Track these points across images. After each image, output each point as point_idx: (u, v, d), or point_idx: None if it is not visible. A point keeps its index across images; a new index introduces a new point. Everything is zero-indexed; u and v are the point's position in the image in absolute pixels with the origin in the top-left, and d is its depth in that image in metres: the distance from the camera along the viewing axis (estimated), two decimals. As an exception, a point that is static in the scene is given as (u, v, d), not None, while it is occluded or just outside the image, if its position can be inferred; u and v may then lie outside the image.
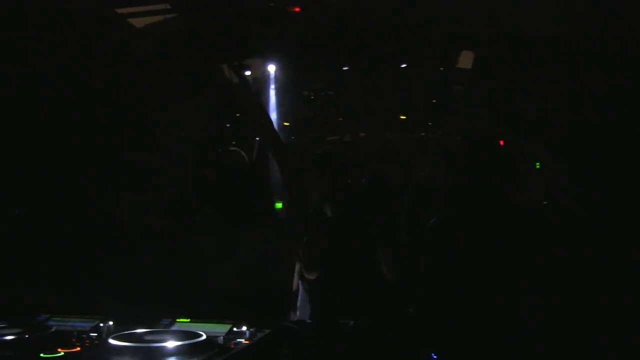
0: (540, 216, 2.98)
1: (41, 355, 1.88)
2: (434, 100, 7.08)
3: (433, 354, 2.31)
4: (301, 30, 5.98)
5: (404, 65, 6.70)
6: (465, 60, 6.82)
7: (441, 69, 6.69)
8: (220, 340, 2.12)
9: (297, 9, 5.77)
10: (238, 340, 2.16)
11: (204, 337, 2.05)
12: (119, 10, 5.46)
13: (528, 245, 2.50)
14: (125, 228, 3.20)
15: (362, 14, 5.73)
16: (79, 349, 1.99)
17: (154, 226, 3.16)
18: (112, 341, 1.94)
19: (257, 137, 6.21)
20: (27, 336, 2.05)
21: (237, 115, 6.90)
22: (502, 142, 3.11)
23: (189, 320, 2.42)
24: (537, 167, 5.76)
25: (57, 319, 2.42)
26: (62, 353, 1.92)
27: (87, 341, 2.09)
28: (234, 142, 4.34)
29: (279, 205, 4.59)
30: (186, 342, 1.96)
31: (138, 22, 5.85)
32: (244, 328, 2.25)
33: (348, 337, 2.36)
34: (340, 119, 7.54)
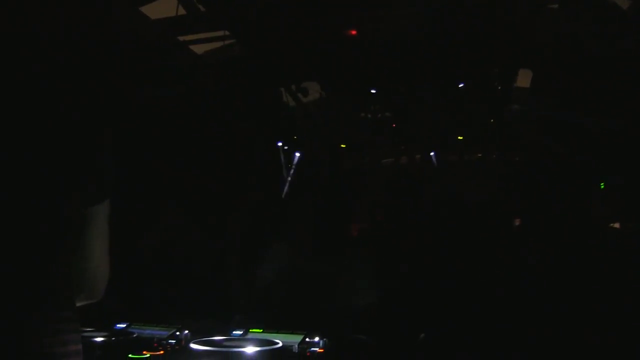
0: (612, 236, 2.92)
1: (129, 355, 1.95)
2: (492, 120, 6.99)
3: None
4: (358, 52, 6.06)
5: (461, 85, 6.67)
6: (524, 78, 6.75)
7: (499, 87, 6.63)
8: (295, 348, 2.15)
9: (353, 32, 5.85)
10: (312, 349, 2.18)
11: (281, 344, 2.09)
12: (181, 38, 5.66)
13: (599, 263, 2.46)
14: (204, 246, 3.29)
15: (418, 35, 5.76)
16: (162, 352, 2.07)
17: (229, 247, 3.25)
18: (193, 345, 2.01)
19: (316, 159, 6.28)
20: (113, 339, 2.14)
21: (295, 138, 7.01)
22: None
23: (261, 330, 2.47)
24: (602, 187, 5.60)
25: (136, 327, 2.52)
26: (148, 355, 1.99)
27: (169, 346, 2.17)
28: (290, 165, 4.41)
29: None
30: (265, 347, 2.01)
31: (198, 49, 6.06)
32: (317, 338, 2.28)
33: (417, 349, 2.36)
34: (396, 141, 7.54)
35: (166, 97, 5.15)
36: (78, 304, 1.14)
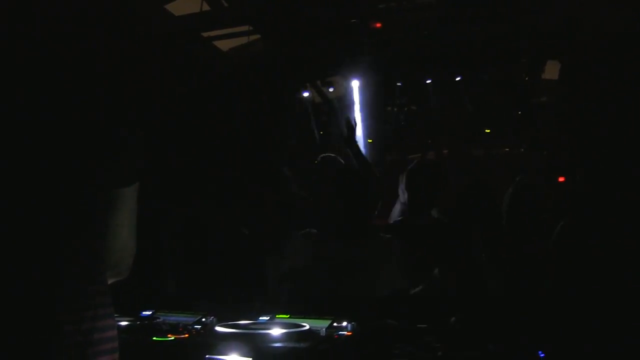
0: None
1: (153, 338, 1.93)
2: (520, 112, 6.86)
3: (540, 353, 2.19)
4: (383, 45, 5.99)
5: (486, 78, 6.56)
6: (552, 70, 6.61)
7: (527, 79, 6.50)
8: (323, 332, 2.10)
9: (378, 25, 5.79)
10: (341, 332, 2.13)
11: (308, 327, 2.04)
12: (205, 34, 5.66)
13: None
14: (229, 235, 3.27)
15: (444, 25, 5.67)
16: (187, 335, 2.04)
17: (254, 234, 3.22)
18: (218, 328, 1.98)
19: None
20: (138, 323, 2.12)
21: (321, 133, 6.98)
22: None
23: (288, 316, 2.42)
24: None
25: (161, 313, 2.50)
26: (173, 338, 1.96)
27: (194, 331, 2.14)
28: (316, 161, 4.36)
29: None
30: (291, 329, 1.96)
31: (224, 46, 6.06)
32: (345, 322, 2.23)
33: (449, 334, 2.29)
34: (424, 135, 7.45)
35: (192, 92, 5.17)
36: (110, 279, 1.17)
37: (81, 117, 1.10)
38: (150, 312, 2.53)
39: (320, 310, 2.39)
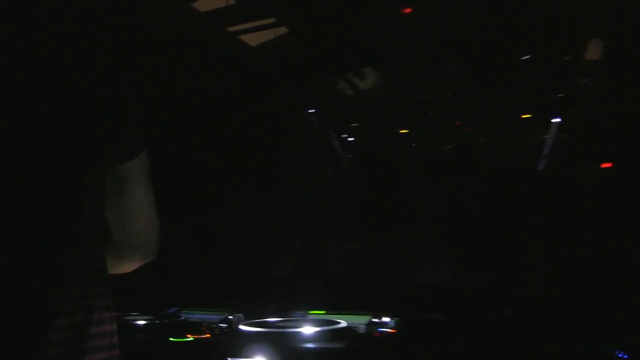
0: None
1: (170, 339, 1.72)
2: (561, 95, 6.46)
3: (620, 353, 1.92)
4: (414, 32, 5.71)
5: (526, 57, 6.20)
6: (594, 49, 6.23)
7: (566, 58, 6.12)
8: (362, 329, 1.87)
9: (408, 10, 5.52)
10: (382, 329, 1.89)
11: (344, 324, 1.81)
12: (230, 29, 5.50)
13: None
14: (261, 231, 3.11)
15: (479, 8, 5.37)
16: (208, 335, 1.83)
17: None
18: (242, 327, 1.76)
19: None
20: (157, 322, 1.92)
21: (354, 125, 6.72)
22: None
23: (324, 312, 2.20)
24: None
25: (187, 311, 2.31)
26: (191, 338, 1.76)
27: (217, 330, 1.93)
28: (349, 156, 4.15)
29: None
30: (324, 327, 1.73)
31: (252, 41, 5.89)
32: (387, 318, 1.99)
33: (500, 328, 2.03)
34: (458, 123, 7.11)
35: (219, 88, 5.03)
36: (138, 263, 1.14)
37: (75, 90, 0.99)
38: (175, 309, 2.36)
39: (358, 304, 2.17)
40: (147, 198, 1.13)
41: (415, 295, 2.45)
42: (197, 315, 2.21)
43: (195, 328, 1.91)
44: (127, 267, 1.14)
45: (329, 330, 1.71)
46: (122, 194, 1.08)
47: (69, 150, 0.96)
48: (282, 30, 5.84)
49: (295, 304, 2.30)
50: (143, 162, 1.12)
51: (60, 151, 0.96)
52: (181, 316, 2.14)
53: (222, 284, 2.81)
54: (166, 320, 1.98)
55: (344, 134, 6.41)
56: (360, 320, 1.99)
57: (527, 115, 7.38)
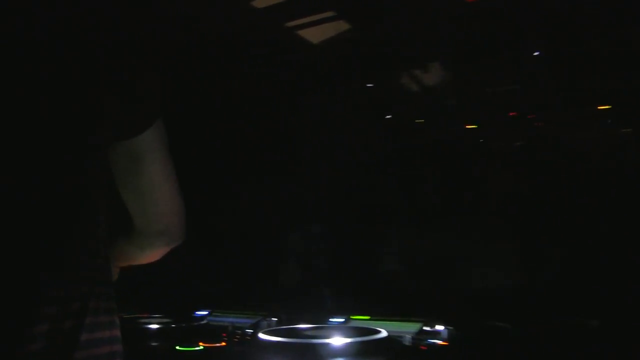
0: None
1: (176, 347, 1.48)
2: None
3: None
4: (479, 23, 5.31)
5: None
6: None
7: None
8: (408, 339, 1.55)
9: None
10: (431, 340, 1.57)
11: (384, 334, 1.50)
12: (288, 24, 5.35)
13: None
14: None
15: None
16: (224, 344, 1.57)
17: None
18: (262, 336, 1.49)
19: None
20: (173, 326, 1.69)
21: (419, 121, 6.38)
22: None
23: (368, 317, 1.90)
24: None
25: (218, 314, 2.08)
26: (202, 347, 1.51)
27: (238, 337, 1.67)
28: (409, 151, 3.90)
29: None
30: (357, 338, 1.42)
31: (308, 35, 5.71)
32: (439, 327, 1.66)
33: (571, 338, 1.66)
34: (530, 117, 6.56)
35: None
36: (163, 251, 1.07)
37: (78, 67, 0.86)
38: (206, 312, 2.13)
39: (408, 311, 1.86)
40: (167, 178, 1.03)
41: (478, 299, 2.11)
42: (227, 319, 1.97)
43: (213, 334, 1.67)
44: (152, 255, 1.08)
45: (362, 342, 1.41)
46: (137, 175, 0.99)
47: (56, 134, 0.84)
48: (344, 26, 5.62)
49: (337, 308, 2.02)
50: (157, 134, 1.00)
51: (45, 133, 0.83)
52: (203, 319, 1.90)
53: (269, 284, 2.58)
54: (183, 325, 1.74)
55: (409, 128, 6.11)
56: (408, 329, 1.67)
57: (606, 107, 6.73)
